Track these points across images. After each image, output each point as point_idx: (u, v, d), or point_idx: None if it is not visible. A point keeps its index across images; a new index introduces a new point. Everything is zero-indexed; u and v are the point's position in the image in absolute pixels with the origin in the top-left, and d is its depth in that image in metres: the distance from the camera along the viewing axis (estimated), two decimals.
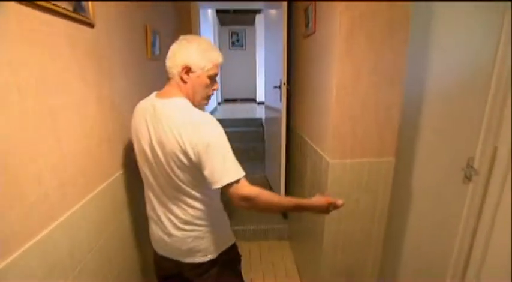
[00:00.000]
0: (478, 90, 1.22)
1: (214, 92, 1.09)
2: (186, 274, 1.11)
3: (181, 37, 0.99)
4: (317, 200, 1.03)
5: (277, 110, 2.48)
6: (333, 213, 1.43)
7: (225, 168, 0.88)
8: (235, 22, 6.99)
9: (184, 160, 0.91)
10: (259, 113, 5.14)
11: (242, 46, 7.40)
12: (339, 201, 1.04)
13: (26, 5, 0.67)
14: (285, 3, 2.16)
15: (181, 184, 0.96)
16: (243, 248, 2.44)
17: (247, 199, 0.88)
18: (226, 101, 7.43)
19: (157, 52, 1.69)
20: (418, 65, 1.44)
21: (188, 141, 0.88)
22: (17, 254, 0.63)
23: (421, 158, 1.53)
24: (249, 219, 2.60)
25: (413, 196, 1.60)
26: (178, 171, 0.94)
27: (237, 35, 7.34)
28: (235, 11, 6.23)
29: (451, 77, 1.35)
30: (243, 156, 3.53)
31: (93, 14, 0.94)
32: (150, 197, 1.06)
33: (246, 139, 3.85)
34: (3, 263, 0.60)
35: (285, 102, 2.33)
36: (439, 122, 1.43)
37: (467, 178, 1.29)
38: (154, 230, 1.09)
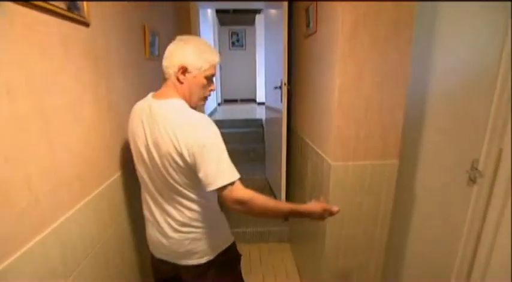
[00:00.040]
0: (483, 91, 1.20)
1: (212, 92, 1.08)
2: (184, 277, 1.10)
3: (178, 37, 0.98)
4: (313, 206, 1.01)
5: (278, 111, 2.46)
6: (336, 216, 1.41)
7: (219, 170, 0.87)
8: (235, 22, 6.97)
9: (180, 162, 0.90)
10: (260, 113, 5.11)
11: (242, 46, 7.38)
12: (335, 208, 1.03)
13: (16, 3, 0.65)
14: (285, 3, 2.13)
15: (177, 186, 0.95)
16: (243, 251, 2.38)
17: (241, 202, 0.87)
18: (226, 101, 7.41)
19: (155, 52, 1.67)
20: (422, 65, 1.42)
21: (183, 142, 0.87)
22: (7, 262, 0.61)
23: (425, 160, 1.51)
24: (249, 221, 2.58)
25: (416, 199, 1.58)
26: (173, 173, 0.93)
27: (237, 35, 7.32)
28: (235, 11, 6.21)
29: (456, 77, 1.33)
30: (243, 158, 3.55)
31: (88, 13, 0.92)
32: (147, 198, 1.06)
33: (246, 140, 3.83)
34: None
35: (285, 103, 2.31)
36: (443, 123, 1.41)
37: (472, 180, 1.27)
38: (151, 232, 1.08)
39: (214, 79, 1.07)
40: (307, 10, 1.69)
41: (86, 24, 0.93)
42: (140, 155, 0.99)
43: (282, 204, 0.99)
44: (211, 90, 1.05)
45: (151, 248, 1.13)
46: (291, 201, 2.40)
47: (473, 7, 1.22)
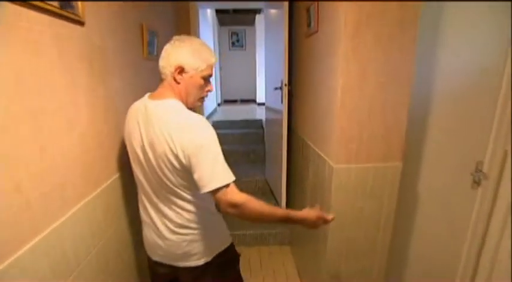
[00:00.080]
0: (487, 91, 1.18)
1: (210, 93, 1.07)
2: (181, 279, 1.10)
3: (175, 37, 0.98)
4: (307, 213, 1.00)
5: (278, 112, 2.44)
6: (337, 219, 1.39)
7: (214, 172, 0.86)
8: (235, 22, 6.95)
9: (175, 163, 0.89)
10: (260, 114, 5.09)
11: (242, 46, 7.35)
12: (329, 216, 1.02)
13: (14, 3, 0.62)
14: (286, 2, 2.10)
15: (173, 187, 0.95)
16: (242, 254, 2.38)
17: (234, 205, 0.86)
18: (226, 102, 7.39)
19: (154, 52, 1.64)
20: (426, 65, 1.39)
21: (179, 144, 0.86)
22: None
23: (428, 161, 1.49)
24: (249, 224, 2.52)
25: (419, 202, 1.56)
26: (169, 174, 0.92)
27: (237, 35, 7.30)
28: (235, 11, 6.20)
29: (460, 77, 1.30)
30: (242, 159, 3.54)
31: (82, 11, 0.88)
32: (143, 200, 1.05)
33: (246, 141, 3.81)
34: None
35: (286, 104, 2.28)
36: (447, 124, 1.39)
37: (476, 183, 1.25)
38: (148, 234, 1.08)
39: (212, 79, 1.06)
40: (308, 9, 1.66)
41: (81, 23, 0.90)
42: (136, 155, 0.98)
43: (277, 210, 0.96)
44: (209, 90, 1.04)
45: (148, 250, 1.12)
46: (292, 203, 2.39)
47: (478, 7, 1.20)
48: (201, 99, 1.04)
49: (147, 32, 1.55)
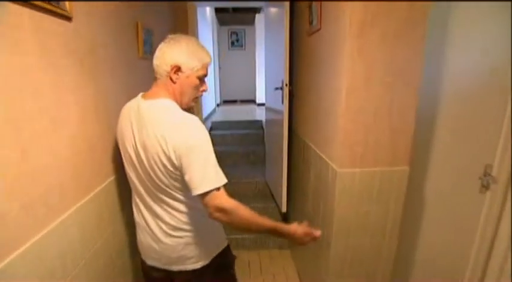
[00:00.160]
0: (497, 92, 1.14)
1: (204, 93, 1.07)
2: None
3: (169, 36, 0.97)
4: (295, 228, 0.98)
5: (279, 112, 2.39)
6: (342, 225, 1.35)
7: (205, 174, 0.85)
8: (234, 22, 6.91)
9: (168, 164, 0.88)
10: (259, 114, 5.06)
11: (242, 46, 7.32)
12: (317, 233, 1.01)
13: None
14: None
15: (166, 188, 0.94)
16: (242, 258, 2.38)
17: (222, 210, 0.85)
18: (226, 102, 7.35)
19: (149, 51, 1.58)
20: (433, 65, 1.35)
21: (171, 144, 0.85)
22: None
23: (436, 164, 1.46)
24: None
25: (425, 206, 1.52)
26: (161, 175, 0.91)
27: (237, 35, 7.27)
28: (235, 10, 6.14)
29: (469, 77, 1.27)
30: (242, 160, 3.49)
31: (69, 6, 0.82)
32: (137, 201, 1.04)
33: (246, 142, 3.77)
34: None
35: (287, 104, 2.23)
36: (455, 126, 1.35)
37: (485, 187, 1.21)
38: (142, 237, 1.06)
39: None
40: (310, 6, 1.61)
41: (67, 18, 0.84)
42: (129, 156, 0.97)
43: (265, 221, 0.93)
44: (203, 90, 1.04)
45: (142, 254, 1.10)
46: (293, 206, 2.34)
47: (487, 7, 1.17)
48: (195, 99, 1.03)
49: (143, 30, 1.49)
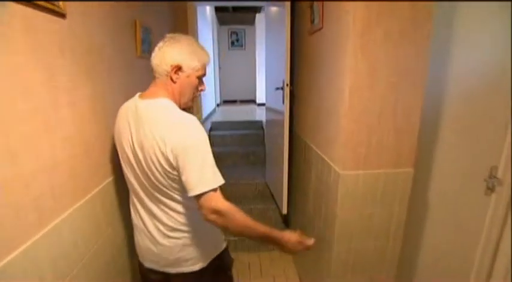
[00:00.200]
0: (503, 93, 1.12)
1: (202, 92, 1.07)
2: None
3: (168, 35, 0.96)
4: (289, 235, 0.97)
5: (279, 113, 2.36)
6: (344, 228, 1.32)
7: (202, 175, 0.85)
8: (234, 21, 6.89)
9: (165, 165, 0.87)
10: (259, 115, 5.04)
11: (242, 46, 7.30)
12: (310, 241, 1.00)
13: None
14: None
15: (163, 188, 0.93)
16: (242, 260, 2.35)
17: (217, 212, 0.85)
18: (225, 102, 7.33)
19: (147, 50, 1.55)
20: (439, 64, 1.33)
21: (169, 144, 0.85)
22: None
23: (440, 166, 1.44)
24: None
25: (430, 209, 1.50)
26: (159, 176, 0.90)
27: (237, 34, 7.24)
28: (235, 10, 6.12)
29: (474, 77, 1.24)
30: (242, 160, 3.47)
31: (63, 2, 0.79)
32: (135, 202, 1.03)
33: (246, 142, 3.75)
34: None
35: (287, 105, 2.20)
36: (460, 127, 1.33)
37: (490, 189, 1.20)
38: (140, 239, 1.06)
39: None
40: (311, 5, 1.59)
41: (61, 15, 0.81)
42: (126, 156, 0.97)
43: (258, 226, 0.92)
44: (202, 90, 1.03)
45: (140, 256, 1.10)
46: (294, 207, 2.32)
47: (495, 5, 1.15)
48: (193, 98, 1.03)
49: (141, 28, 1.46)
